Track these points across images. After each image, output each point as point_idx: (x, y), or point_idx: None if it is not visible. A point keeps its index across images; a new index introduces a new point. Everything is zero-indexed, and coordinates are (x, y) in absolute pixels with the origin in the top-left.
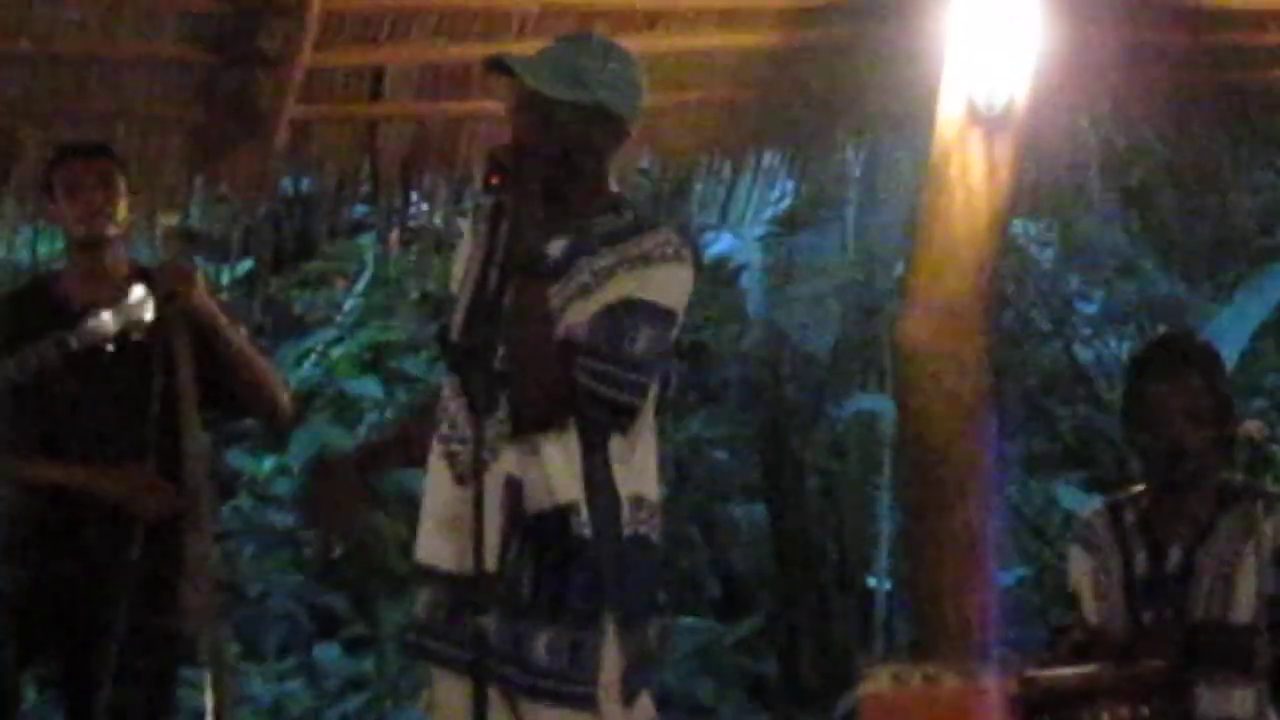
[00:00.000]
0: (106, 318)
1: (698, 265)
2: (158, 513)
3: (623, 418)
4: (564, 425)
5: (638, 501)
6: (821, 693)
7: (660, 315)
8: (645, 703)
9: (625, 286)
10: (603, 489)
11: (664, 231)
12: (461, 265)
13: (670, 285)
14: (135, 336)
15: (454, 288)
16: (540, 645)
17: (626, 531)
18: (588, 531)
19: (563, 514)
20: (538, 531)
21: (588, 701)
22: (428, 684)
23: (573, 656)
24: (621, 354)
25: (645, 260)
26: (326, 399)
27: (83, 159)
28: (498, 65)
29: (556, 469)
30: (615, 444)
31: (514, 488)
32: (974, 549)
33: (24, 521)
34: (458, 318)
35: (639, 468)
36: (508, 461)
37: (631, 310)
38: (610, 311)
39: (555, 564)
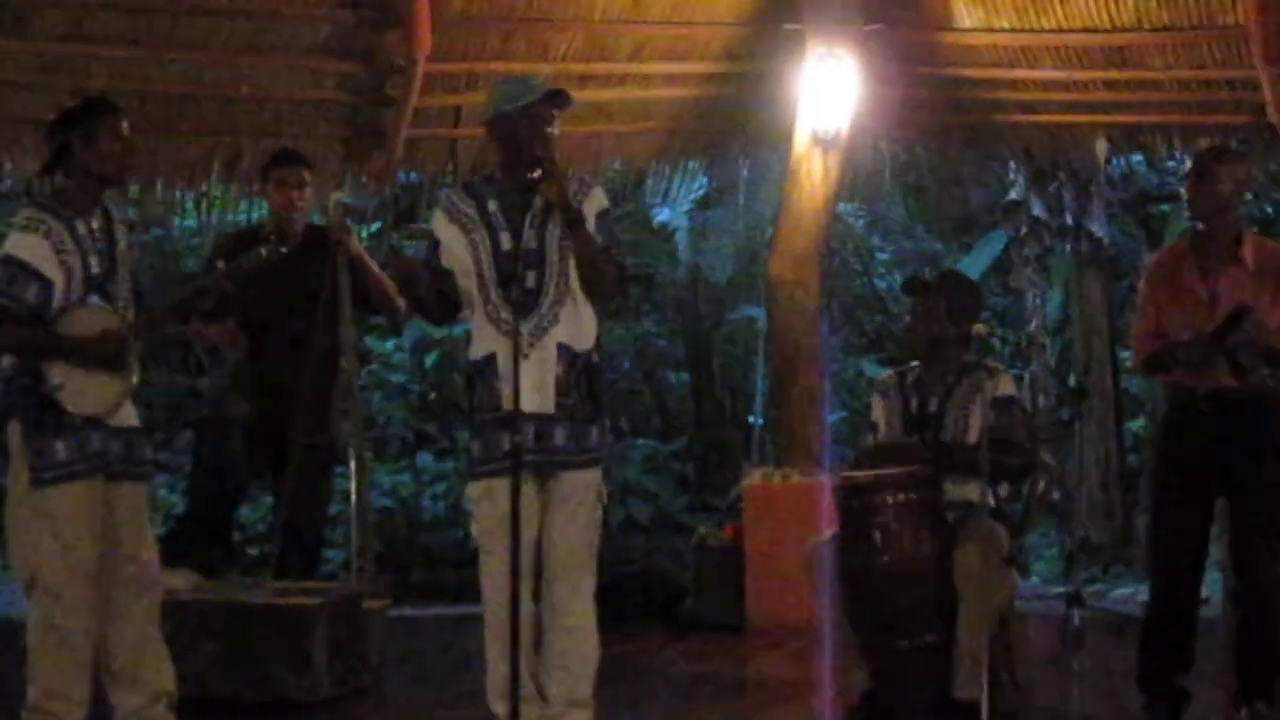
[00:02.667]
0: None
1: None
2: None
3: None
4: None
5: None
6: (721, 485)
7: (609, 213)
8: None
9: (593, 204)
10: (597, 335)
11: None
12: (462, 239)
13: (605, 197)
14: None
15: (459, 252)
16: (592, 435)
17: (596, 359)
18: (597, 359)
19: (590, 354)
20: (583, 370)
21: (603, 459)
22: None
23: (600, 437)
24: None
25: (589, 186)
26: None
27: (291, 166)
28: (568, 99)
29: (589, 326)
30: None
31: (566, 349)
32: (814, 400)
33: (270, 370)
34: (485, 258)
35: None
36: (558, 333)
37: (606, 215)
38: (600, 218)
39: (588, 386)
